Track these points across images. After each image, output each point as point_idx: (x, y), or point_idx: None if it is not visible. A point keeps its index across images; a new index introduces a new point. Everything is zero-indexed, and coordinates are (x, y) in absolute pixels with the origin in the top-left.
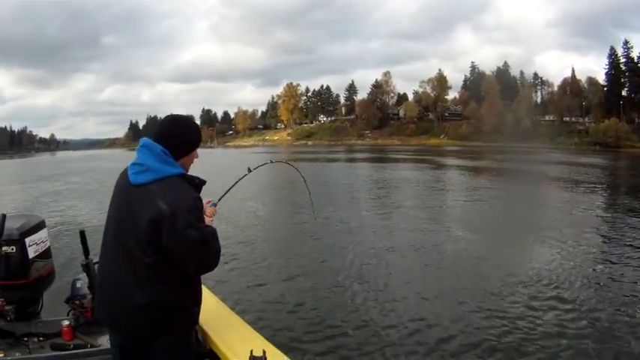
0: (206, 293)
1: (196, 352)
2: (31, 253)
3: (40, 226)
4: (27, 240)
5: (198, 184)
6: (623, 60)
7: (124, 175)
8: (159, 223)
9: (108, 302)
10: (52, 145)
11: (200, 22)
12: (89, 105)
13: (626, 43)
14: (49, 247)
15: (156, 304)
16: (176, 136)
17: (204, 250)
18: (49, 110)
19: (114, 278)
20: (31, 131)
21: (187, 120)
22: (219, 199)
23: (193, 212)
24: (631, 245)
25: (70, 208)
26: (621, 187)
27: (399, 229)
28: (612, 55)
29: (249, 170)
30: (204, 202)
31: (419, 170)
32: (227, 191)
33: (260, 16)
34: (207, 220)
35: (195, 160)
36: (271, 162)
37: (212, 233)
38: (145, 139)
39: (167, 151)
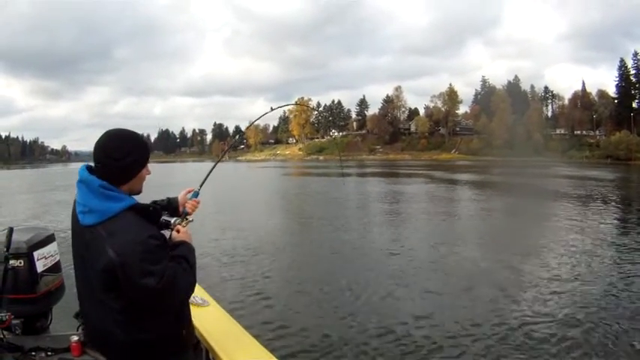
0: (218, 312)
1: None
2: (40, 266)
3: (49, 239)
4: (35, 254)
5: (153, 212)
6: (633, 72)
7: (75, 209)
8: (112, 273)
9: (92, 332)
10: (63, 156)
11: (213, 37)
12: (101, 117)
13: (635, 54)
14: (59, 260)
15: (136, 342)
16: (115, 159)
17: (166, 294)
18: (62, 122)
19: (91, 312)
20: (42, 142)
21: (125, 137)
22: (202, 185)
23: (147, 257)
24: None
25: None
26: (633, 200)
27: (410, 244)
28: (622, 67)
29: (272, 109)
30: (183, 193)
31: (429, 185)
32: (211, 169)
33: (273, 31)
34: (179, 235)
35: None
36: (296, 104)
37: (176, 271)
38: (81, 171)
39: (106, 183)
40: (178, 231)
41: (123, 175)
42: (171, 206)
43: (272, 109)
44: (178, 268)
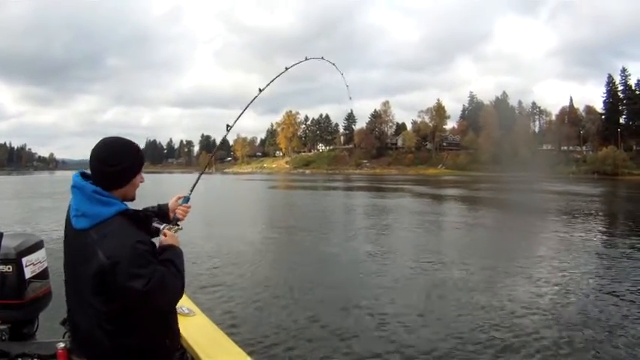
0: (204, 321)
1: None
2: (28, 273)
3: (38, 246)
4: (24, 260)
5: (143, 218)
6: (620, 88)
7: (69, 212)
8: (102, 276)
9: (79, 338)
10: (50, 163)
11: (204, 48)
12: (90, 126)
13: (623, 70)
14: (47, 267)
15: (122, 348)
16: (109, 165)
17: (152, 297)
18: (50, 129)
19: (78, 317)
20: (30, 149)
21: (119, 145)
22: (192, 190)
23: (135, 260)
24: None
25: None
26: (618, 215)
27: (393, 253)
28: (610, 83)
29: (260, 90)
30: (173, 199)
31: (412, 199)
32: (200, 174)
33: (264, 43)
34: (167, 239)
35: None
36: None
37: (164, 274)
38: (75, 177)
39: (99, 188)
40: (165, 234)
41: (116, 181)
42: (162, 212)
43: (286, 69)
44: (167, 271)
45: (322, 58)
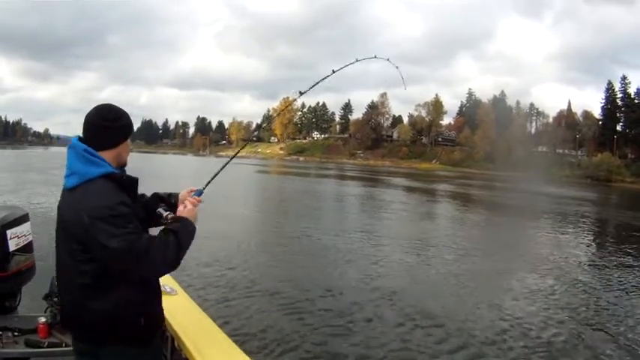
0: (185, 301)
1: None
2: (12, 246)
3: (23, 219)
4: (8, 232)
5: (127, 182)
6: (619, 95)
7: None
8: (82, 233)
9: (63, 303)
10: (45, 139)
11: (205, 30)
12: (87, 103)
13: (624, 78)
14: (31, 241)
15: (97, 312)
16: (106, 120)
17: (127, 258)
18: (47, 105)
19: (63, 280)
20: (25, 124)
21: (115, 106)
22: (206, 186)
23: (113, 221)
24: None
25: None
26: (609, 222)
27: (385, 247)
28: (609, 89)
29: (333, 71)
30: (186, 190)
31: (401, 192)
32: (217, 173)
33: (265, 29)
34: (184, 211)
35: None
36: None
37: (151, 241)
38: (74, 138)
39: (90, 148)
40: (186, 205)
41: (112, 138)
42: (170, 200)
43: (333, 72)
44: (157, 239)
45: (375, 56)
